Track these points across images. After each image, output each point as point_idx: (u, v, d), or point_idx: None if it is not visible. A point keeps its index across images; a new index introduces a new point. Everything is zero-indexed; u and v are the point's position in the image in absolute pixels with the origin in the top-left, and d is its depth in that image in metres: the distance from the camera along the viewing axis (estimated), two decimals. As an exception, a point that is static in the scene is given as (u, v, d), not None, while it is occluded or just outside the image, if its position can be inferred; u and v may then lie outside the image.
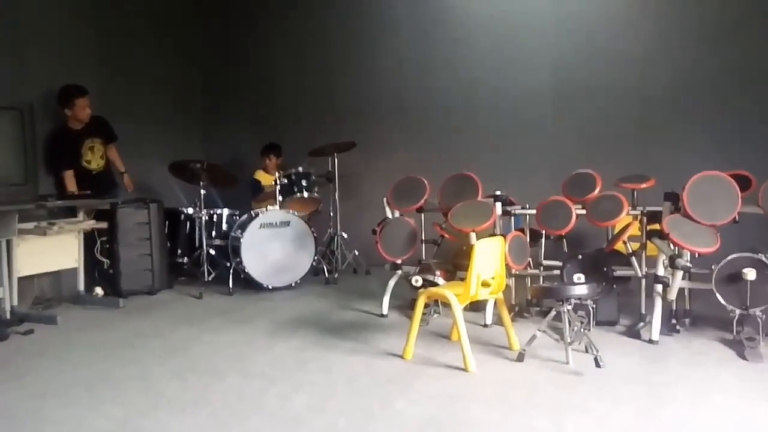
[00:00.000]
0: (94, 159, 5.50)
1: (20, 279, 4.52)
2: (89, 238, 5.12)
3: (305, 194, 5.80)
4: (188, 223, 5.92)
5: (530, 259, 4.26)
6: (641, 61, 5.75)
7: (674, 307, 3.96)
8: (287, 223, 5.47)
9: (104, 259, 5.23)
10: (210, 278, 5.59)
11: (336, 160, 6.21)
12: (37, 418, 2.81)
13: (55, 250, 4.81)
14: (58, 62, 5.40)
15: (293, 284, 5.48)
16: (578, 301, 3.75)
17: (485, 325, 4.16)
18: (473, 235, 3.98)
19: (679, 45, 5.66)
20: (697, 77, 5.59)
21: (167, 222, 5.65)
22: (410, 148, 6.53)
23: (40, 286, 4.97)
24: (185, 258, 5.84)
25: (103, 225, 5.05)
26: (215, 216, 5.85)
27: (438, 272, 4.29)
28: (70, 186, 5.26)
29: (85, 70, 5.68)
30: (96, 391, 3.13)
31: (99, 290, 5.12)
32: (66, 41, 5.51)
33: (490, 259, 3.51)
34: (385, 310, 4.51)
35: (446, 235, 4.61)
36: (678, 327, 3.91)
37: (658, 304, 3.79)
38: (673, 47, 5.67)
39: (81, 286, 5.06)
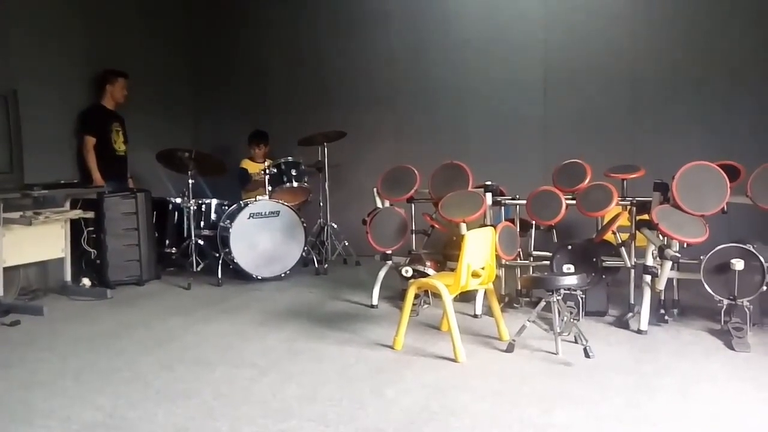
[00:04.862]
0: (118, 142, 5.70)
1: (6, 269, 4.46)
2: (76, 228, 5.07)
3: (295, 184, 5.77)
4: (176, 213, 5.88)
5: (520, 249, 4.27)
6: (632, 52, 5.77)
7: (663, 298, 3.98)
8: (276, 213, 5.44)
9: (91, 249, 5.18)
10: (198, 269, 5.55)
11: (326, 149, 6.17)
12: (24, 408, 2.78)
13: (41, 240, 4.75)
14: (46, 50, 5.31)
15: (283, 275, 5.46)
16: (568, 292, 3.76)
17: (475, 316, 4.17)
18: (463, 226, 3.97)
19: (669, 36, 5.68)
20: (687, 68, 5.62)
21: (155, 212, 5.60)
22: (400, 138, 6.52)
23: (27, 276, 4.92)
24: (173, 248, 5.79)
25: (90, 215, 4.99)
26: (204, 206, 5.81)
27: (428, 263, 4.29)
28: (90, 151, 5.43)
29: (73, 57, 5.59)
30: (83, 381, 3.10)
31: (86, 281, 5.08)
32: (53, 28, 5.41)
33: (480, 249, 3.51)
34: (375, 301, 4.50)
35: (436, 226, 4.60)
36: (666, 317, 3.94)
37: (647, 294, 3.81)
38: (663, 38, 5.69)
39: (68, 277, 5.01)
